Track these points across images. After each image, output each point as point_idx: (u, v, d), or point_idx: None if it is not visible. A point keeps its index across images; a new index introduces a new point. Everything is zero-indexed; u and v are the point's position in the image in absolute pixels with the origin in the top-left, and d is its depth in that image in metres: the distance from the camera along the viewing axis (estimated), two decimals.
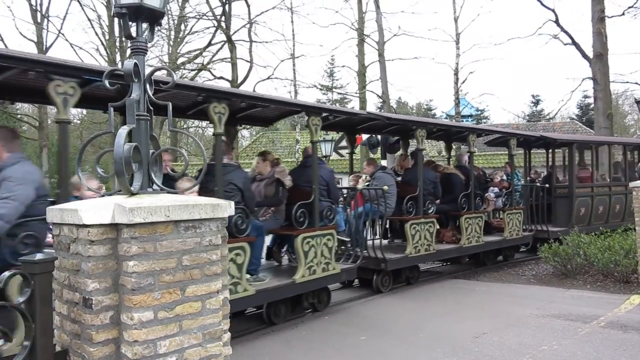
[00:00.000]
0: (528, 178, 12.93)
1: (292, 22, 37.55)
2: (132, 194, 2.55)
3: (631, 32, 51.52)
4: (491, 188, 10.94)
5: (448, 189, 9.47)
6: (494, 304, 7.31)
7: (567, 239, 9.35)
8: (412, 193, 8.33)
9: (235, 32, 21.92)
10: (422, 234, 8.37)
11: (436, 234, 8.96)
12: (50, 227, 3.05)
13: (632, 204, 12.59)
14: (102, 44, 22.37)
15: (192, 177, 5.71)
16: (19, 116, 27.80)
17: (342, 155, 19.82)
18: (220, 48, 22.59)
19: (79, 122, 28.18)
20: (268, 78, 23.16)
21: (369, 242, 8.06)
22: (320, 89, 37.71)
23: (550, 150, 13.22)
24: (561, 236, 10.74)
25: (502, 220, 10.45)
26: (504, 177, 11.24)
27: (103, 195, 2.76)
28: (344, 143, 17.70)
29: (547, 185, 11.95)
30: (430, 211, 8.62)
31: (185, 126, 26.89)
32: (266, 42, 28.95)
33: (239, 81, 21.34)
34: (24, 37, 22.49)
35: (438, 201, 9.18)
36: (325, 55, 64.27)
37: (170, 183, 4.22)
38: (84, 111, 26.50)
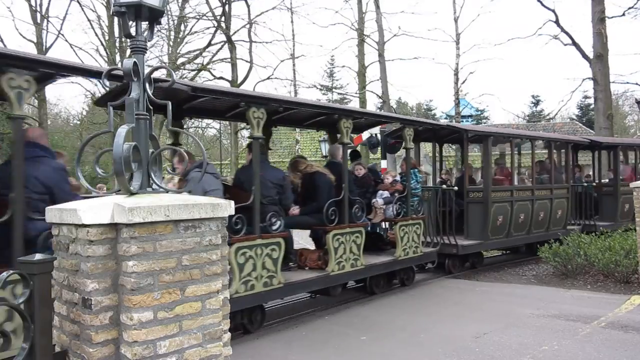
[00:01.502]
0: (438, 179, 11.25)
1: (292, 22, 37.41)
2: (132, 193, 2.54)
3: (631, 33, 51.57)
4: (380, 192, 8.59)
5: (312, 194, 7.09)
6: (495, 304, 7.30)
7: (567, 239, 9.33)
8: (247, 201, 5.79)
9: (235, 32, 21.96)
10: (259, 261, 5.80)
11: (299, 257, 7.12)
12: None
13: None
14: (102, 44, 22.35)
15: None
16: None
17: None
18: (220, 48, 22.60)
19: (78, 122, 28.19)
20: (268, 78, 23.21)
21: None
22: (320, 89, 37.66)
23: (464, 146, 10.85)
24: (476, 251, 9.76)
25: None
26: (397, 178, 9.03)
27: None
28: None
29: (455, 188, 9.86)
30: (274, 227, 6.03)
31: (185, 126, 26.88)
32: (266, 42, 28.99)
33: (238, 81, 21.34)
34: (24, 37, 22.44)
35: (297, 211, 6.96)
36: (325, 55, 64.31)
37: None
38: (84, 111, 26.52)
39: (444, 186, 9.98)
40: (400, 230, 8.07)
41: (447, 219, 9.37)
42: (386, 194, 8.54)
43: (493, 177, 10.47)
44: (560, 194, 11.53)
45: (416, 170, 9.36)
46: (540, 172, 11.88)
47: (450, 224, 9.38)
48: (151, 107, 2.75)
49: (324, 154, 16.06)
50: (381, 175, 9.27)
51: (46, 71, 4.23)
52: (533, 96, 48.11)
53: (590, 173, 14.58)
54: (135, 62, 2.61)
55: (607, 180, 13.66)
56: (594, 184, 13.11)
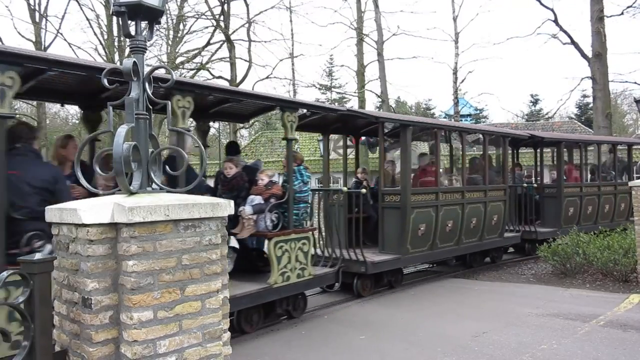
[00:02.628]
0: (353, 179, 9.48)
1: (290, 21, 37.68)
2: (132, 193, 2.54)
3: (630, 32, 51.71)
4: (250, 197, 6.52)
5: None
6: (494, 303, 7.32)
7: (565, 238, 9.32)
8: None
9: (234, 31, 21.94)
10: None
11: None
12: None
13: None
14: (101, 43, 22.34)
15: None
16: (17, 115, 27.82)
17: (340, 155, 19.84)
18: (219, 47, 22.59)
19: (77, 121, 28.16)
20: (267, 77, 23.18)
21: None
22: (319, 89, 37.73)
23: (380, 138, 8.71)
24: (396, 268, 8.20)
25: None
26: (275, 179, 7.03)
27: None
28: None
29: (363, 191, 8.01)
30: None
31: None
32: (265, 41, 28.88)
33: (237, 80, 21.33)
34: (23, 36, 22.44)
35: None
36: (324, 54, 64.47)
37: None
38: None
39: (345, 188, 8.24)
40: (276, 248, 6.20)
41: (352, 230, 7.74)
42: (258, 199, 6.46)
43: (414, 177, 8.82)
44: (495, 196, 9.96)
45: (302, 167, 7.24)
46: (473, 171, 10.22)
47: (358, 235, 7.71)
48: (151, 107, 2.75)
49: (321, 154, 16.03)
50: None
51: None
52: (532, 95, 48.20)
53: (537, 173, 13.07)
54: (135, 62, 2.61)
55: (549, 181, 12.72)
56: (535, 185, 11.83)
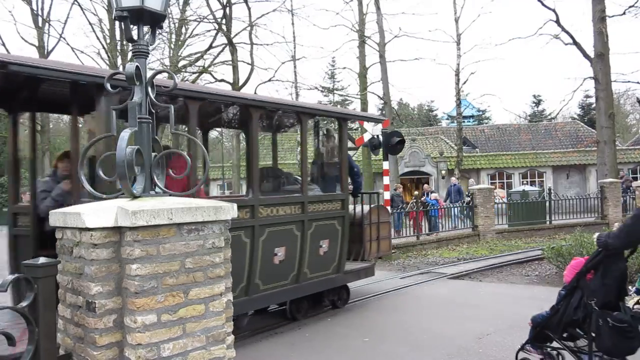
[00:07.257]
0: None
1: (292, 24, 37.75)
2: (135, 197, 2.55)
3: (632, 32, 51.53)
4: None
5: None
6: (497, 304, 7.29)
7: (569, 237, 9.29)
8: None
9: (236, 34, 21.99)
10: None
11: None
12: None
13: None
14: (104, 47, 22.42)
15: None
16: (20, 120, 27.89)
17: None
18: (221, 51, 22.64)
19: (81, 125, 28.23)
20: (269, 80, 23.21)
21: None
22: (322, 91, 37.74)
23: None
24: None
25: None
26: None
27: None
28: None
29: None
30: None
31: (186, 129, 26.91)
32: (267, 44, 29.18)
33: (240, 84, 21.37)
34: (26, 41, 22.57)
35: None
36: (326, 57, 64.49)
37: None
38: None
39: None
40: None
41: None
42: None
43: None
44: None
45: None
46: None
47: None
48: (153, 111, 2.76)
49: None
50: None
51: None
52: (534, 96, 48.19)
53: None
54: (137, 66, 2.63)
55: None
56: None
